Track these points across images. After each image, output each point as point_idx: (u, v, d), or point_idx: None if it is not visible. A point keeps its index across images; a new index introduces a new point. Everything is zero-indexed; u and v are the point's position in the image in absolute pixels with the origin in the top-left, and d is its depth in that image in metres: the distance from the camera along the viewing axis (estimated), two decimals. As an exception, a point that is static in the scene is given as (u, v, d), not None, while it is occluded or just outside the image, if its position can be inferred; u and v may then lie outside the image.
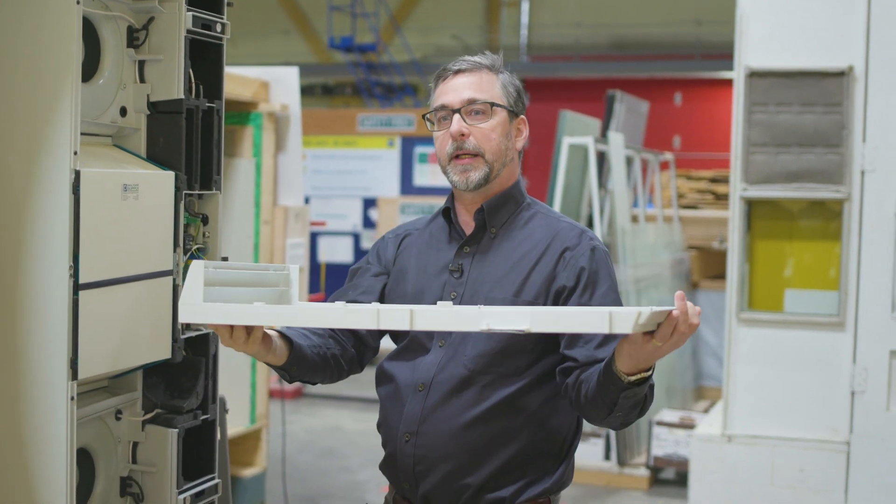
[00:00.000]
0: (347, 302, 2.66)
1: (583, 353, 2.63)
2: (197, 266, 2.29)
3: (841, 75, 6.03)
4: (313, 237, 10.33)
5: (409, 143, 10.78)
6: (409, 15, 21.96)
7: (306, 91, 21.45)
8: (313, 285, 6.86)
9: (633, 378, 2.44)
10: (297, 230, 6.45)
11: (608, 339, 2.60)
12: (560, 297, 2.69)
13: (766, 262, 6.38)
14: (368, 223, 11.14)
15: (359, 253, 11.20)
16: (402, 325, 2.33)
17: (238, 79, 5.91)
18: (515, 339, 2.63)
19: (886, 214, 5.98)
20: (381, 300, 2.84)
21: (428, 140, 10.67)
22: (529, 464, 2.70)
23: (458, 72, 2.77)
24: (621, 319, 2.20)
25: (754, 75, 6.19)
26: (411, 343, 2.78)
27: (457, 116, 2.72)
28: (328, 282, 10.21)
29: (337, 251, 11.25)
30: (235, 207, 6.05)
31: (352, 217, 11.26)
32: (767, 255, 6.38)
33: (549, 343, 2.68)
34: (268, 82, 6.28)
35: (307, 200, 11.27)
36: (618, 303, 2.71)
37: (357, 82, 20.48)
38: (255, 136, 6.18)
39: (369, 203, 11.06)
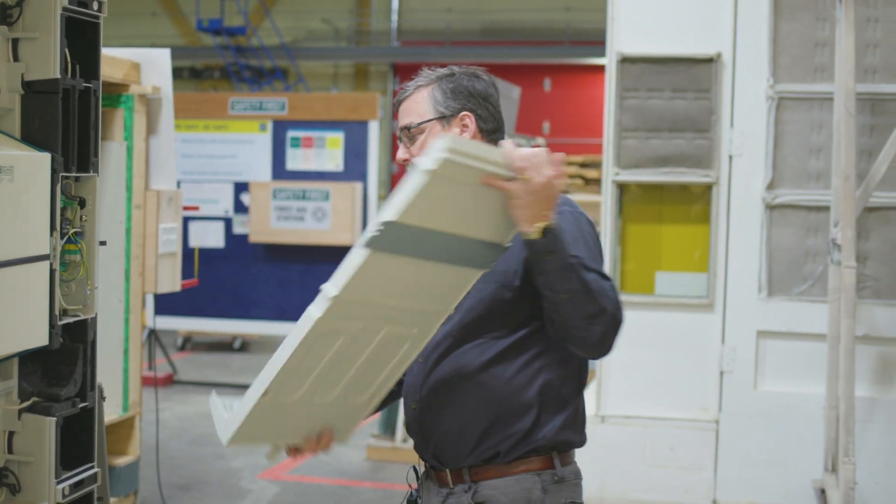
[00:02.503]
0: None
1: None
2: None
3: (710, 62, 6.16)
4: (185, 222, 10.16)
5: (281, 127, 10.66)
6: (278, -3, 21.77)
7: (174, 74, 21.01)
8: (186, 271, 6.74)
9: (532, 230, 2.57)
10: (170, 215, 6.33)
11: None
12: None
13: (638, 246, 6.49)
14: (240, 208, 11.00)
15: (230, 238, 11.06)
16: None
17: (109, 60, 5.77)
18: (498, 304, 2.79)
19: (753, 198, 6.13)
20: None
21: (300, 125, 10.57)
22: (521, 417, 2.81)
23: (401, 101, 2.97)
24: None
25: (626, 61, 6.28)
26: None
27: (401, 146, 2.94)
28: (201, 267, 10.04)
29: (208, 236, 11.09)
30: (107, 191, 5.91)
31: (223, 202, 11.11)
32: (639, 238, 6.49)
33: (534, 306, 2.77)
34: (139, 64, 6.14)
35: (178, 185, 11.06)
36: (589, 257, 2.74)
37: (226, 65, 20.22)
38: (126, 118, 6.04)
39: (241, 188, 10.92)
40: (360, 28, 21.23)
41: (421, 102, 2.93)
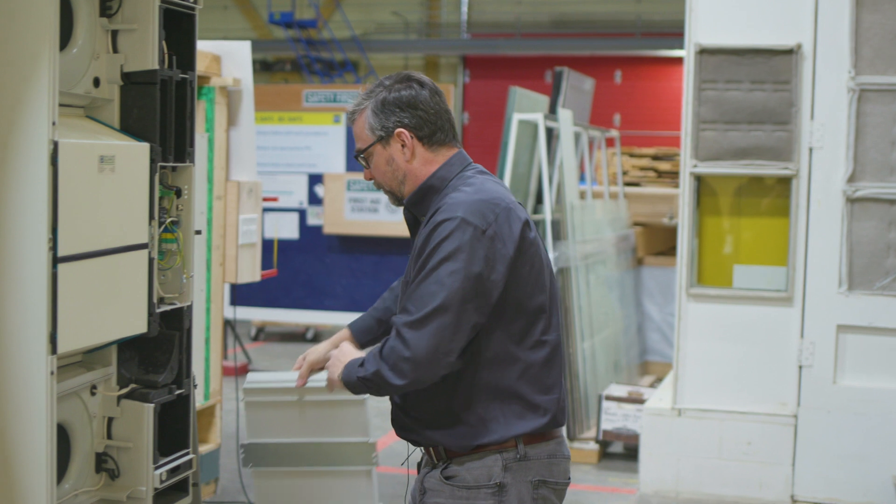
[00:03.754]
0: None
1: None
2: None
3: (790, 53, 6.09)
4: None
5: (355, 119, 10.72)
6: (349, -10, 21.84)
7: (245, 67, 21.19)
8: (266, 262, 6.81)
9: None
10: (250, 206, 6.40)
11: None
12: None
13: (716, 239, 6.45)
14: (314, 199, 11.08)
15: (305, 229, 11.15)
16: None
17: (190, 53, 5.83)
18: None
19: (833, 191, 6.06)
20: None
21: (374, 116, 10.60)
22: (466, 418, 2.97)
23: (351, 123, 3.13)
24: None
25: (704, 52, 6.23)
26: None
27: (364, 169, 3.14)
28: (280, 258, 10.15)
29: (283, 227, 11.19)
30: (188, 183, 5.98)
31: (298, 193, 11.20)
32: (717, 231, 6.44)
33: None
34: (219, 56, 6.21)
35: (254, 177, 11.14)
36: (434, 268, 2.89)
37: (297, 58, 20.34)
38: (207, 110, 6.11)
39: (315, 179, 11.00)
40: (430, 20, 21.24)
41: (362, 127, 3.08)
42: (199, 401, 6.07)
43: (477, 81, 20.58)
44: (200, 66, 5.97)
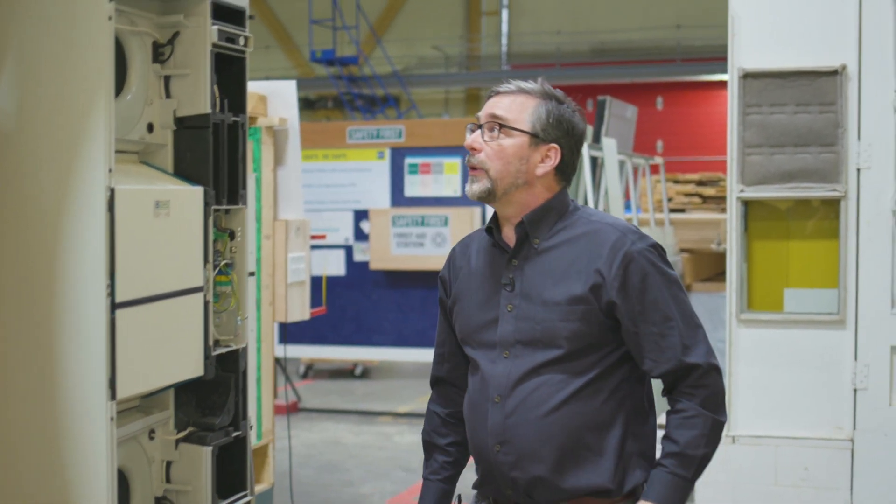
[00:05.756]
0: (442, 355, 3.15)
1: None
2: None
3: (834, 74, 6.05)
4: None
5: (398, 154, 10.76)
6: (389, 27, 21.98)
7: (288, 105, 21.37)
8: (315, 300, 6.83)
9: None
10: (299, 244, 6.43)
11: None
12: (612, 309, 2.86)
13: (765, 263, 6.40)
14: (360, 235, 11.13)
15: (351, 265, 11.19)
16: None
17: (235, 94, 5.89)
18: (580, 342, 2.85)
19: (883, 211, 6.01)
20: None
21: (418, 151, 10.65)
22: (616, 451, 2.88)
23: (498, 93, 2.95)
24: None
25: (748, 77, 6.21)
26: (477, 356, 2.99)
27: (476, 132, 2.93)
28: (327, 294, 10.18)
29: (330, 264, 11.23)
30: (236, 223, 6.03)
31: (344, 230, 11.24)
32: (766, 255, 6.39)
33: (614, 340, 2.88)
34: (265, 96, 6.26)
35: (300, 214, 11.21)
36: (676, 301, 2.86)
37: (339, 95, 20.48)
38: (254, 150, 6.16)
39: (361, 215, 11.05)
40: (470, 53, 21.35)
41: (524, 108, 2.91)
42: (252, 440, 6.08)
43: (518, 112, 20.55)
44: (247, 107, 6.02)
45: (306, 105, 21.98)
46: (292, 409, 11.25)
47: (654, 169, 10.58)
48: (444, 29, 21.51)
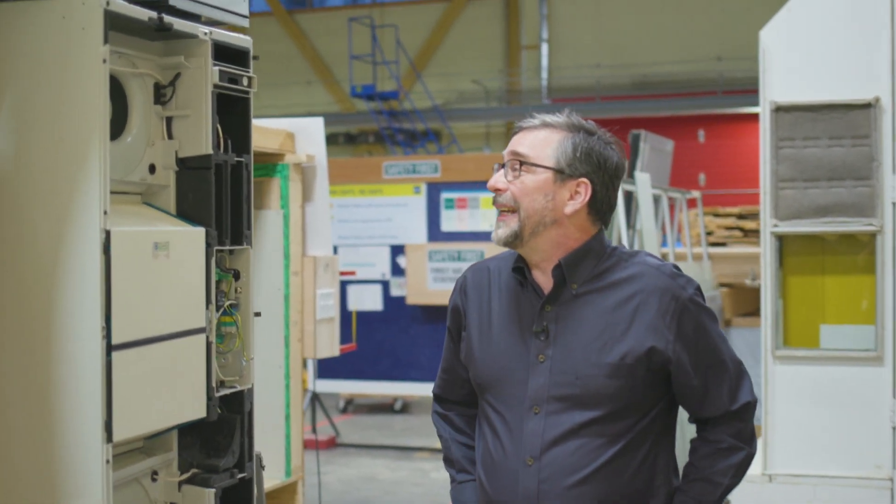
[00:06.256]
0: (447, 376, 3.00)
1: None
2: None
3: (868, 107, 5.98)
4: (343, 286, 10.31)
5: (435, 189, 10.75)
6: (429, 61, 22.07)
7: (329, 140, 21.45)
8: (344, 335, 6.82)
9: None
10: (327, 280, 6.42)
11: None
12: (666, 364, 2.73)
13: (800, 298, 6.31)
14: (397, 270, 11.12)
15: (388, 300, 11.18)
16: None
17: (264, 130, 5.91)
18: (621, 401, 2.70)
19: (920, 245, 5.91)
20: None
21: (454, 186, 10.64)
22: None
23: (522, 128, 2.80)
24: None
25: (780, 110, 6.14)
26: (499, 407, 2.78)
27: (500, 171, 2.76)
28: (360, 330, 10.17)
29: (366, 299, 11.23)
30: (264, 259, 6.03)
31: (380, 265, 11.24)
32: (801, 290, 6.30)
33: (654, 398, 2.76)
34: (293, 133, 6.27)
35: (335, 250, 11.26)
36: (723, 343, 2.80)
37: (380, 130, 20.58)
38: (282, 187, 6.16)
39: (397, 250, 11.04)
40: (510, 87, 21.39)
41: (547, 144, 2.73)
42: (280, 478, 6.06)
43: (559, 146, 20.56)
44: (274, 144, 6.03)
45: (348, 140, 22.11)
46: (330, 445, 11.23)
47: (693, 203, 10.50)
48: (484, 63, 21.57)
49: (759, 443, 6.49)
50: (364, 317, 10.89)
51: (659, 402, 2.76)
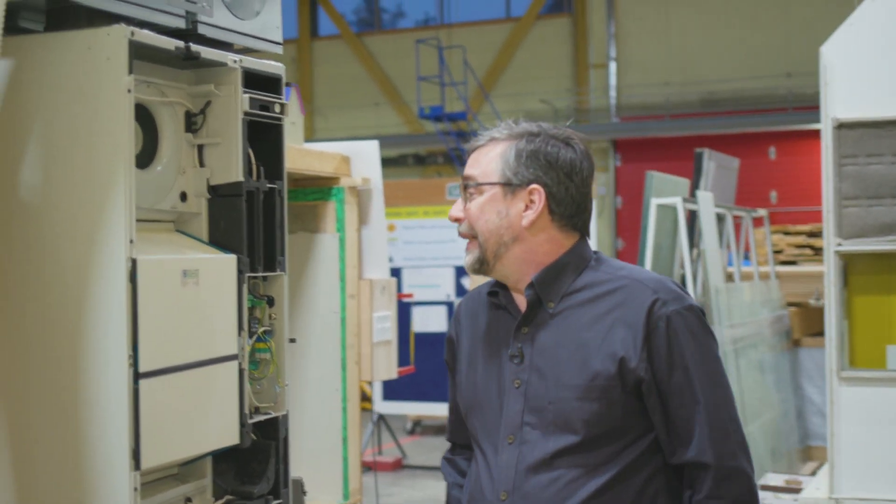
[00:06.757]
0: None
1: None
2: None
3: (933, 122, 5.87)
4: (407, 308, 10.31)
5: (498, 210, 10.73)
6: (496, 82, 22.07)
7: (398, 161, 21.64)
8: (403, 358, 6.81)
9: None
10: (384, 303, 6.41)
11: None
12: (640, 386, 2.48)
13: (866, 318, 6.19)
14: (462, 292, 11.10)
15: (453, 322, 11.16)
16: None
17: (319, 154, 5.94)
18: (599, 426, 2.45)
19: None
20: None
21: (517, 206, 10.59)
22: None
23: (473, 149, 2.62)
24: None
25: (843, 127, 6.05)
26: (480, 438, 2.60)
27: (458, 200, 2.61)
28: (419, 352, 10.16)
29: (431, 321, 11.23)
30: (321, 283, 6.05)
31: (445, 286, 11.24)
32: (867, 310, 6.18)
33: (640, 425, 2.49)
34: (348, 157, 6.29)
35: (399, 271, 11.28)
36: (709, 378, 2.49)
37: (448, 151, 20.61)
38: (337, 210, 6.17)
39: (462, 272, 11.02)
40: (578, 106, 21.30)
41: (492, 159, 2.54)
42: (337, 500, 6.05)
43: (628, 165, 20.48)
44: (329, 168, 6.05)
45: (417, 161, 22.16)
46: (396, 466, 11.23)
47: (760, 221, 10.37)
48: (552, 83, 21.51)
49: (827, 466, 6.37)
50: (429, 338, 10.88)
51: (651, 430, 2.49)
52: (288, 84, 5.49)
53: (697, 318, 2.51)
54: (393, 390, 11.19)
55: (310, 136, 21.97)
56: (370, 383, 11.31)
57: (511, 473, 2.47)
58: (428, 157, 22.37)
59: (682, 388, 2.45)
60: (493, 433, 2.54)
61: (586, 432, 2.44)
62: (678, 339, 2.46)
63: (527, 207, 2.52)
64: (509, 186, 2.52)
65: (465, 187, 2.57)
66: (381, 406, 11.45)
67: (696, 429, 2.45)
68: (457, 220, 2.60)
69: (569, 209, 2.55)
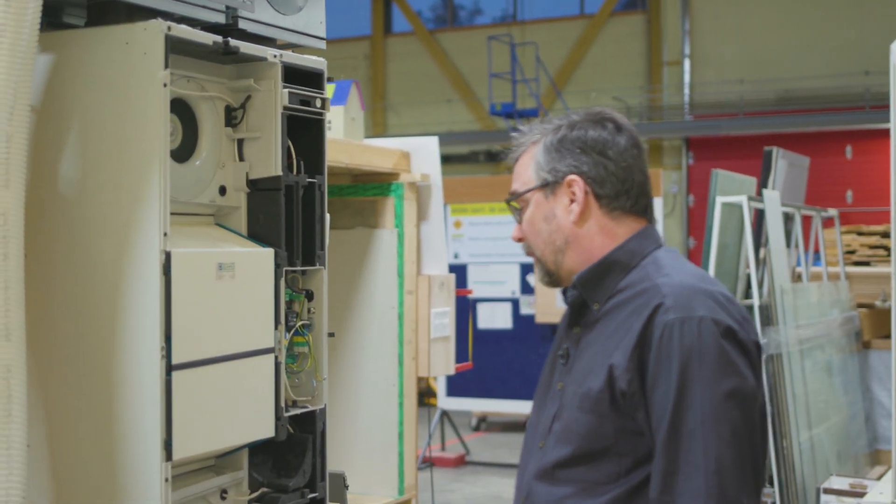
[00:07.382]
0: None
1: None
2: None
3: None
4: (470, 304, 10.34)
5: (565, 207, 10.71)
6: (569, 79, 21.99)
7: (469, 158, 21.66)
8: (461, 354, 6.81)
9: None
10: (442, 299, 6.41)
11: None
12: (623, 398, 2.29)
13: (933, 320, 6.06)
14: (527, 289, 11.09)
15: (518, 319, 11.15)
16: None
17: (378, 150, 5.95)
18: (593, 442, 2.29)
19: None
20: None
21: (584, 203, 10.56)
22: None
23: (513, 163, 2.56)
24: None
25: (911, 125, 5.93)
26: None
27: (516, 223, 2.53)
28: (484, 349, 10.18)
29: (496, 317, 11.24)
30: (379, 278, 6.07)
31: (510, 283, 11.24)
32: (934, 312, 6.06)
33: (640, 449, 2.28)
34: (408, 153, 6.30)
35: (465, 268, 11.29)
36: (704, 408, 2.19)
37: (520, 147, 20.60)
38: (396, 206, 6.18)
39: (527, 269, 11.01)
40: (651, 104, 21.15)
41: (525, 166, 2.46)
42: (392, 495, 6.07)
43: (701, 163, 20.30)
44: (388, 164, 6.06)
45: (488, 158, 22.17)
46: (460, 462, 11.25)
47: (831, 222, 10.21)
48: (625, 80, 21.39)
49: (890, 473, 6.24)
50: (494, 335, 10.89)
51: (633, 466, 2.28)
52: (348, 80, 5.52)
53: (713, 338, 2.21)
54: (457, 386, 11.21)
55: (382, 132, 22.07)
56: (435, 379, 11.35)
57: (528, 479, 2.42)
58: (500, 153, 22.38)
59: (662, 410, 2.21)
60: (532, 435, 2.50)
61: (579, 445, 2.31)
62: (670, 352, 2.22)
63: (571, 201, 2.41)
64: (547, 187, 2.43)
65: (513, 204, 2.50)
66: (446, 402, 11.48)
67: (659, 464, 2.22)
68: (519, 240, 2.53)
69: (614, 188, 2.42)
